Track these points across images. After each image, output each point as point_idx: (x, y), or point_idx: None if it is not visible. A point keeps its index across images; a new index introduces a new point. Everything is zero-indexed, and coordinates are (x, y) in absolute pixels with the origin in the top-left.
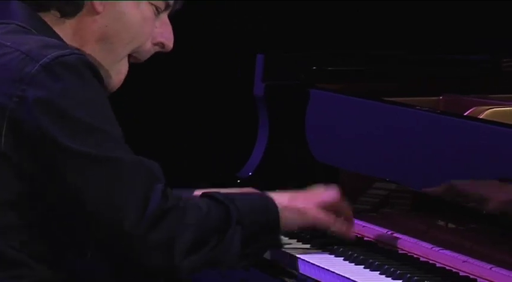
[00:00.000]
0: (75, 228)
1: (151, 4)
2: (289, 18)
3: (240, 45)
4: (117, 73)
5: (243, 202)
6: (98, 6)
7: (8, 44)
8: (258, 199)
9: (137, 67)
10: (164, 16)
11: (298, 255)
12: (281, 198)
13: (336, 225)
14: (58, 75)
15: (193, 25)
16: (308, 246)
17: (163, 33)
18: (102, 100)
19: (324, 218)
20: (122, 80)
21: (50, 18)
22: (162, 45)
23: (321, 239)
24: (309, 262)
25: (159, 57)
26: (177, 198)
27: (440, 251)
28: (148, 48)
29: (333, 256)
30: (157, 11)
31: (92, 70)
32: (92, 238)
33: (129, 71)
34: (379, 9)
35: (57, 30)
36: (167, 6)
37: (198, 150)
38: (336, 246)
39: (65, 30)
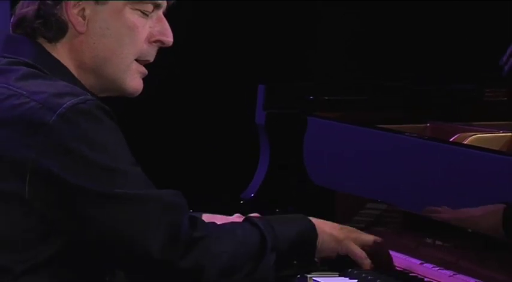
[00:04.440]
0: (97, 260)
1: (135, 10)
2: (290, 51)
3: (243, 76)
4: (132, 78)
5: (282, 229)
6: (79, 27)
7: (24, 93)
8: (299, 226)
9: (143, 93)
10: (157, 14)
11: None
12: (324, 224)
13: (365, 263)
14: (75, 123)
15: (201, 57)
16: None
17: (159, 31)
18: (119, 141)
19: (357, 251)
20: (141, 82)
21: (46, 45)
22: (161, 42)
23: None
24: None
25: (166, 85)
26: (208, 226)
27: (428, 266)
28: (148, 50)
29: (326, 271)
30: (145, 13)
31: (105, 112)
32: (122, 269)
33: (137, 97)
34: (371, 44)
35: (55, 54)
36: (156, 5)
37: (205, 174)
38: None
39: (60, 54)
